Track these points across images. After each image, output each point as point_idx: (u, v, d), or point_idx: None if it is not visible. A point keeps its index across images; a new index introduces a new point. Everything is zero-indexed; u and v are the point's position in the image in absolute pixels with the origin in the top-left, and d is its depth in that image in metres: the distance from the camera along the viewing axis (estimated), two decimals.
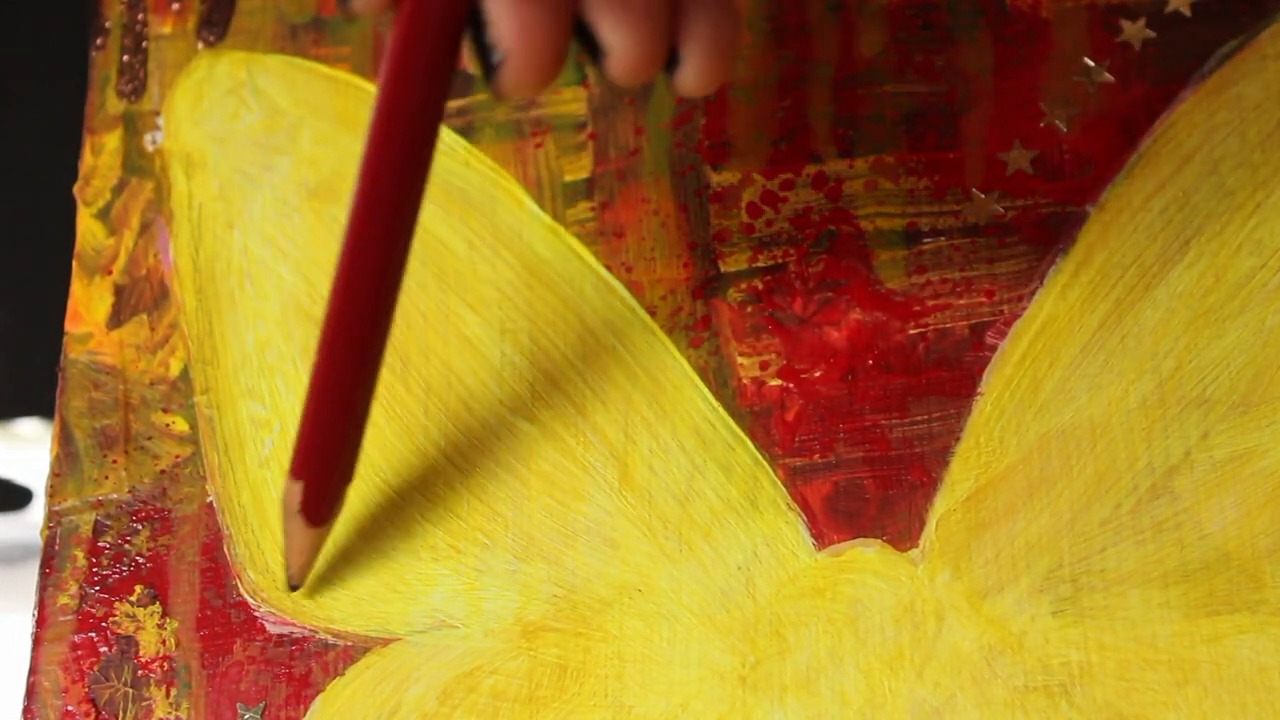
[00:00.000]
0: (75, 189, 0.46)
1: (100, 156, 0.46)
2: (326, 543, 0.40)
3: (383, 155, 0.32)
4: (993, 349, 0.40)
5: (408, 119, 0.32)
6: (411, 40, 0.31)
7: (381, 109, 0.32)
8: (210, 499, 0.42)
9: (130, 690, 0.40)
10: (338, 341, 0.35)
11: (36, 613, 0.41)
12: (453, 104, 0.45)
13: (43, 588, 0.41)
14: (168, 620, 0.41)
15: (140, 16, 0.47)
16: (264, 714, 0.39)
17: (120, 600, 0.41)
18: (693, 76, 0.32)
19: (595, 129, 0.44)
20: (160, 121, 0.46)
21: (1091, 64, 0.43)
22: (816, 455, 0.40)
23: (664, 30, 0.32)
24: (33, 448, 0.63)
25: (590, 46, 0.32)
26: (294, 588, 0.40)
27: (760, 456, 0.40)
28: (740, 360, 0.41)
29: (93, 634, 0.41)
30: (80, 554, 0.42)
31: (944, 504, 0.39)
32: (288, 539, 0.39)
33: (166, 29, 0.47)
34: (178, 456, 0.42)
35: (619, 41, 0.31)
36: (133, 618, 0.41)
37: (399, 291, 0.35)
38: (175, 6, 0.47)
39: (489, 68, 0.31)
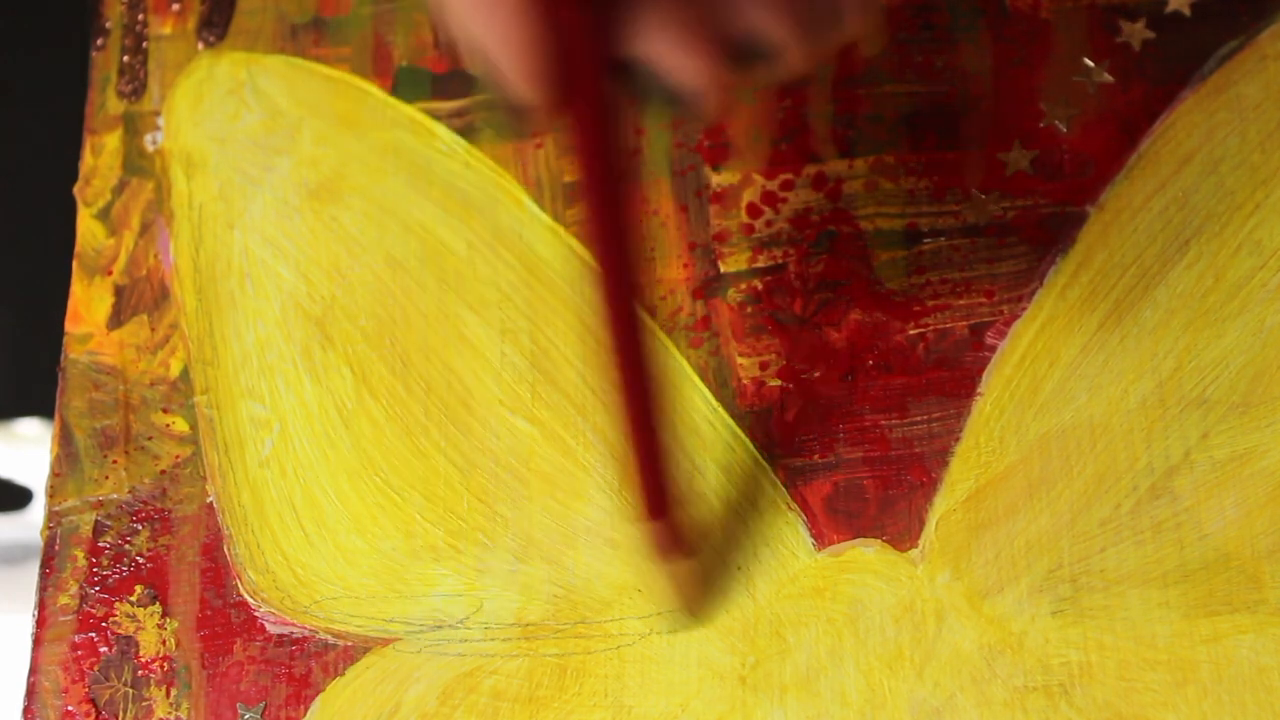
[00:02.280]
0: (75, 189, 0.46)
1: (100, 156, 0.46)
2: (322, 543, 0.40)
3: (597, 195, 0.32)
4: (993, 349, 0.40)
5: (607, 173, 0.32)
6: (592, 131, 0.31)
7: (587, 170, 0.32)
8: (210, 499, 0.42)
9: (130, 690, 0.40)
10: (630, 402, 0.35)
11: (36, 613, 0.41)
12: (452, 104, 0.45)
13: (43, 588, 0.41)
14: (168, 620, 0.41)
15: (140, 17, 0.47)
16: (264, 714, 0.39)
17: (120, 600, 0.41)
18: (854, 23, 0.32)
19: None
20: (160, 122, 0.46)
21: (1091, 64, 0.43)
22: (816, 455, 0.40)
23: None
24: (33, 448, 0.63)
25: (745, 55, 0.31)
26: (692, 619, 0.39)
27: (760, 456, 0.40)
28: (740, 360, 0.41)
29: (93, 634, 0.41)
30: (80, 554, 0.42)
31: (944, 504, 0.39)
32: (672, 581, 0.38)
33: (167, 29, 0.47)
34: (178, 456, 0.42)
35: (790, 39, 0.31)
36: (133, 618, 0.41)
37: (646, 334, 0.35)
38: (175, 7, 0.47)
39: (680, 103, 0.31)
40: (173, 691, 0.40)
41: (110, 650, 0.41)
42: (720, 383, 0.41)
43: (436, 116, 0.45)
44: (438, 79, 0.45)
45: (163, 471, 0.42)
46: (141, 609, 0.41)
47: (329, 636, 0.40)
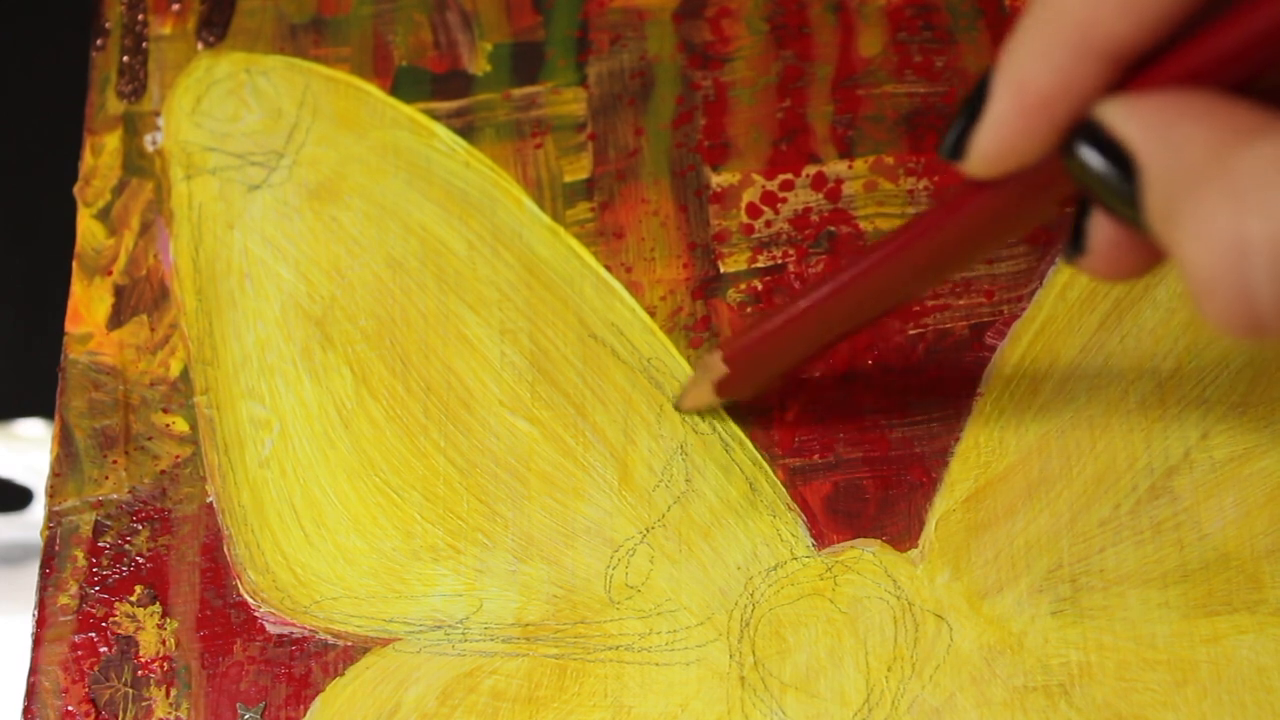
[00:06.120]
0: (75, 189, 0.46)
1: (100, 157, 0.46)
2: (322, 543, 0.40)
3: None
4: (992, 349, 0.40)
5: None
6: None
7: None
8: (210, 499, 0.42)
9: (130, 690, 0.40)
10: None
11: (36, 613, 0.41)
12: (452, 104, 0.45)
13: (43, 588, 0.41)
14: (168, 620, 0.41)
15: (140, 17, 0.47)
16: (264, 714, 0.39)
17: (120, 600, 0.41)
18: None
19: (595, 129, 0.44)
20: (160, 122, 0.46)
21: None
22: (816, 455, 0.40)
23: None
24: (33, 448, 0.63)
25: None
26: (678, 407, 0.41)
27: (760, 456, 0.40)
28: None
29: (93, 634, 0.41)
30: (80, 554, 0.42)
31: (944, 504, 0.39)
32: (691, 386, 0.40)
33: (166, 29, 0.47)
34: (178, 456, 0.42)
35: None
36: (133, 618, 0.41)
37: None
38: (175, 7, 0.47)
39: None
40: (173, 691, 0.40)
41: (110, 650, 0.41)
42: None
43: (436, 116, 0.45)
44: (438, 79, 0.45)
45: (163, 471, 0.42)
46: (141, 609, 0.41)
47: (329, 636, 0.40)
